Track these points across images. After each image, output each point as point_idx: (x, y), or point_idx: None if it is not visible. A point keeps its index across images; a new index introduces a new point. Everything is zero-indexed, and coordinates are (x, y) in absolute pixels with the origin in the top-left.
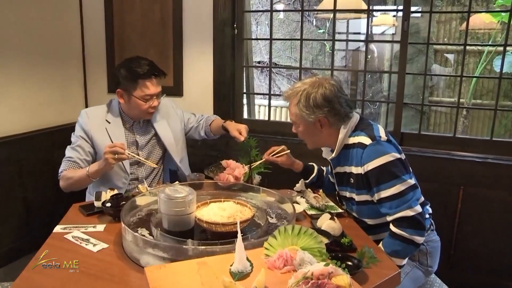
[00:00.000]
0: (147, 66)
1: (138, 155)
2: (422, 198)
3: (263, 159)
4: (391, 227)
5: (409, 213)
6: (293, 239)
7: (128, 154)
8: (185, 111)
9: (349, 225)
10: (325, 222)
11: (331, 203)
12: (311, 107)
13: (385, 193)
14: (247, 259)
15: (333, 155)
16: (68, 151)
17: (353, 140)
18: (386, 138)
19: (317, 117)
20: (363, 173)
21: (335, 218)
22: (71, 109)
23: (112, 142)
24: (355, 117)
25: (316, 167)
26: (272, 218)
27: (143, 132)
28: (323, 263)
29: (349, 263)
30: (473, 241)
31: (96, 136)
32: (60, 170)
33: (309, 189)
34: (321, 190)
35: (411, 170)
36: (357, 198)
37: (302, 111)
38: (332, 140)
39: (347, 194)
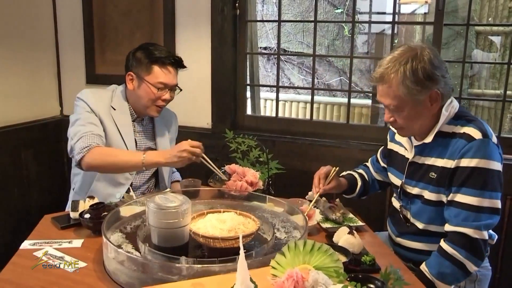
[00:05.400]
0: (166, 52)
1: None
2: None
3: (319, 192)
4: (442, 244)
5: (472, 233)
6: (305, 257)
7: (203, 158)
8: None
9: (371, 240)
10: (343, 237)
11: (350, 215)
12: (422, 80)
13: (462, 198)
14: (251, 280)
15: (426, 140)
16: (82, 127)
17: (456, 129)
18: (497, 141)
19: (429, 92)
20: (452, 167)
21: (355, 232)
22: (42, 102)
23: (119, 130)
24: (455, 102)
25: (356, 174)
26: (280, 232)
27: (143, 133)
28: (340, 285)
29: (371, 285)
30: None
31: (104, 121)
32: (87, 144)
33: (323, 198)
34: (337, 199)
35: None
36: (427, 196)
37: (412, 88)
38: (429, 124)
39: (415, 190)
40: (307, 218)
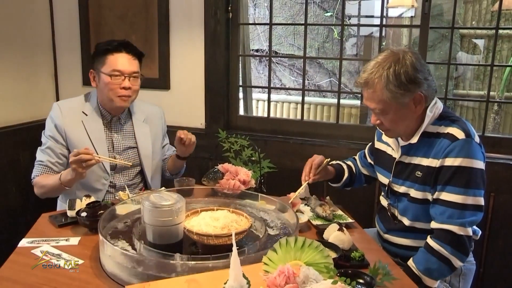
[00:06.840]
0: (118, 42)
1: (115, 158)
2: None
3: (308, 180)
4: (429, 240)
5: (457, 230)
6: (296, 253)
7: (98, 158)
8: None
9: (360, 237)
10: (333, 234)
11: (340, 212)
12: (405, 84)
13: (446, 196)
14: (244, 276)
15: (411, 140)
16: (39, 154)
17: (440, 129)
18: (479, 141)
19: (412, 95)
20: (437, 166)
21: (344, 229)
22: (40, 104)
23: (90, 137)
24: (439, 103)
25: (344, 165)
26: (272, 229)
27: (122, 133)
28: (330, 280)
29: (361, 280)
30: (507, 258)
31: (71, 131)
32: (32, 176)
33: (314, 196)
34: (328, 197)
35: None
36: (413, 194)
37: (395, 92)
38: (415, 126)
39: (402, 189)
40: (291, 205)
